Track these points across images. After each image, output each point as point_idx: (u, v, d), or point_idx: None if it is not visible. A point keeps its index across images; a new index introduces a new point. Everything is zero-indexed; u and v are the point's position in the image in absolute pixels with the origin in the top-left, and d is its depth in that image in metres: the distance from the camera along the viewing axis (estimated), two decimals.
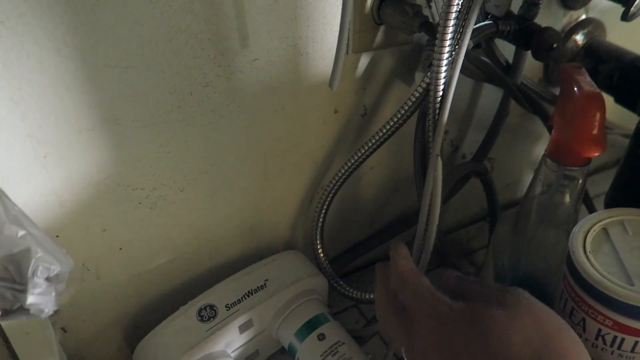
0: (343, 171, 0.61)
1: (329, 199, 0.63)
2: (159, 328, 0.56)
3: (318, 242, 0.65)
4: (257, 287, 0.59)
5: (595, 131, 0.48)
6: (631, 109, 0.65)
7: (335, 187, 0.62)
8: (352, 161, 0.60)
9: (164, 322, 0.56)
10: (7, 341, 0.45)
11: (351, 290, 0.66)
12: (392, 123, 0.56)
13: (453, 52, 0.48)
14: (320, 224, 0.64)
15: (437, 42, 0.46)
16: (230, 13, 0.49)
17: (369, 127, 0.67)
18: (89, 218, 0.52)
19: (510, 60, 0.67)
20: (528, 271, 0.58)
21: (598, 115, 0.48)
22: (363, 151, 0.59)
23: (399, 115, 0.55)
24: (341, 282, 0.67)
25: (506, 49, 0.66)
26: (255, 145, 0.59)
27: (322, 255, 0.65)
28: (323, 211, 0.63)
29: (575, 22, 0.73)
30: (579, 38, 0.73)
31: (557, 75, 0.77)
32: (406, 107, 0.55)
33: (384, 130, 0.57)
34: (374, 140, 0.58)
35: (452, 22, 0.45)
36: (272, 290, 0.59)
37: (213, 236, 0.63)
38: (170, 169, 0.54)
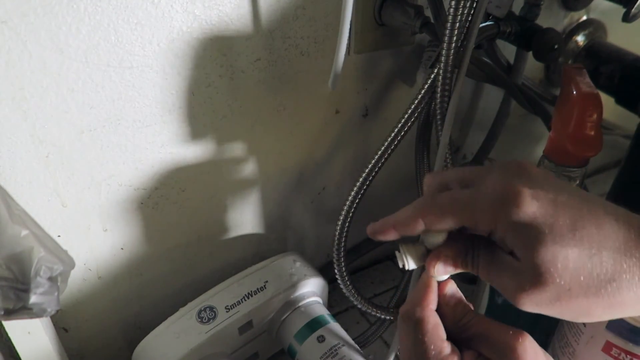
0: (353, 194, 0.58)
1: (346, 225, 0.59)
2: (159, 329, 0.56)
3: (345, 274, 0.61)
4: (257, 289, 0.59)
5: (591, 132, 0.48)
6: (632, 110, 0.65)
7: (355, 204, 0.58)
8: (365, 172, 0.56)
9: (163, 323, 0.56)
10: (9, 340, 0.45)
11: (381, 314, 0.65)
12: (396, 130, 0.55)
13: (458, 54, 0.48)
14: (342, 258, 0.60)
15: (445, 45, 0.46)
16: (232, 14, 0.49)
17: (371, 128, 0.67)
18: (91, 218, 0.52)
19: (511, 61, 0.68)
20: None
21: (594, 116, 0.48)
22: (370, 165, 0.56)
23: (405, 117, 0.55)
24: (373, 308, 0.64)
25: (507, 50, 0.67)
26: (257, 146, 0.59)
27: (350, 285, 0.61)
28: (342, 243, 0.59)
29: (576, 23, 0.73)
30: (580, 39, 0.73)
31: (557, 76, 0.77)
32: (409, 112, 0.55)
33: (392, 135, 0.56)
34: (383, 147, 0.55)
35: (457, 25, 0.45)
36: (272, 292, 0.59)
37: (214, 236, 0.63)
38: (171, 169, 0.54)
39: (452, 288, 0.35)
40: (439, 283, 0.35)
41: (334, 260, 0.60)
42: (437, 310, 0.35)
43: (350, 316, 0.74)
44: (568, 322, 0.47)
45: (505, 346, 0.32)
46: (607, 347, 0.43)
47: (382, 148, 0.55)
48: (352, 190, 0.57)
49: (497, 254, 0.31)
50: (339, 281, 0.61)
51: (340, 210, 0.58)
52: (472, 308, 0.35)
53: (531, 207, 0.29)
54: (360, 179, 0.56)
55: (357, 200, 0.58)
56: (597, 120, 0.48)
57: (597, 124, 0.48)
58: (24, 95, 0.42)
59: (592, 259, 0.28)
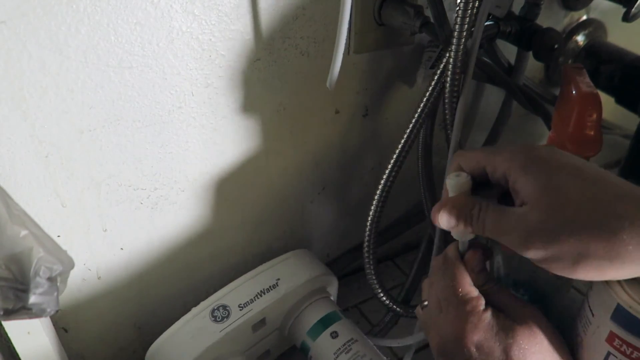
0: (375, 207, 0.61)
1: (373, 233, 0.61)
2: (172, 329, 0.56)
3: (372, 263, 0.63)
4: (270, 287, 0.59)
5: (591, 132, 0.48)
6: (632, 110, 0.65)
7: (379, 210, 0.61)
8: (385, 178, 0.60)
9: (176, 323, 0.56)
10: (8, 341, 0.45)
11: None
12: (406, 134, 0.56)
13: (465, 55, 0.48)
14: (372, 250, 0.62)
15: (453, 47, 0.47)
16: (232, 14, 0.49)
17: (371, 128, 0.67)
18: (90, 218, 0.52)
19: (511, 61, 0.68)
20: (520, 271, 0.58)
21: (594, 116, 0.48)
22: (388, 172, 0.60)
23: (414, 119, 0.55)
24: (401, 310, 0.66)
25: (507, 50, 0.67)
26: (257, 146, 0.59)
27: (380, 292, 0.64)
28: (374, 230, 0.61)
29: (576, 23, 0.73)
30: (580, 39, 0.73)
31: (557, 76, 0.77)
32: (416, 115, 0.55)
33: (405, 138, 0.57)
34: (399, 147, 0.57)
35: (465, 27, 0.45)
36: (284, 289, 0.59)
37: (214, 237, 0.63)
38: (171, 169, 0.54)
39: (478, 258, 0.39)
40: (468, 254, 0.39)
41: (364, 251, 0.62)
42: None
43: (350, 316, 0.74)
44: (580, 313, 0.48)
45: (519, 312, 0.36)
46: (611, 338, 0.43)
47: (397, 151, 0.57)
48: (375, 192, 0.61)
49: (506, 208, 0.34)
50: (367, 269, 0.63)
51: (370, 206, 0.61)
52: (494, 279, 0.39)
53: (542, 151, 0.34)
54: (383, 179, 0.60)
55: (383, 196, 0.61)
56: (597, 120, 0.48)
57: (597, 124, 0.48)
58: (23, 95, 0.42)
59: (596, 196, 0.31)
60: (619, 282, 0.42)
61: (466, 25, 0.45)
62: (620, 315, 0.41)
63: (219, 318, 0.56)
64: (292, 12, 0.52)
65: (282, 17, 0.52)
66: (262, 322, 0.58)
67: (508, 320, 0.36)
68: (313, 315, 0.60)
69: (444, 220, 0.37)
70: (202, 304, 0.57)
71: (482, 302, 0.37)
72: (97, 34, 0.43)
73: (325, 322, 0.59)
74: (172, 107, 0.50)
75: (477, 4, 0.45)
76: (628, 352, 0.42)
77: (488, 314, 0.36)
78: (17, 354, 0.46)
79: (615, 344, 0.43)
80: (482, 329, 0.35)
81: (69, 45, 0.42)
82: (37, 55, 0.41)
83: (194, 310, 0.57)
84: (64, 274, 0.38)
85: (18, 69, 0.41)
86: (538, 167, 0.33)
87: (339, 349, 0.57)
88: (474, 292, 0.37)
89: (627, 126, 0.73)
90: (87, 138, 0.47)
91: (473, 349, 0.35)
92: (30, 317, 0.37)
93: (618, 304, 0.41)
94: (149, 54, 0.46)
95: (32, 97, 0.43)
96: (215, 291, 0.59)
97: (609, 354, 0.44)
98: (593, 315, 0.45)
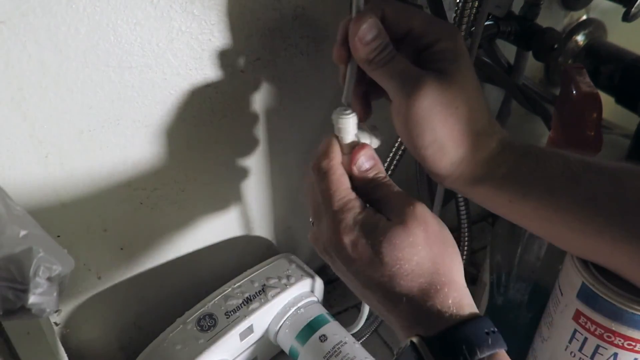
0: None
1: None
2: (159, 340, 0.55)
3: None
4: (256, 293, 0.59)
5: (591, 132, 0.48)
6: (632, 110, 0.65)
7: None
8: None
9: (163, 334, 0.56)
10: (8, 341, 0.45)
11: None
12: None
13: None
14: None
15: None
16: (233, 13, 0.49)
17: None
18: (90, 218, 0.52)
19: (511, 61, 0.68)
20: (521, 271, 0.59)
21: (594, 116, 0.48)
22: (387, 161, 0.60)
23: None
24: None
25: (507, 50, 0.66)
26: (257, 145, 0.59)
27: None
28: None
29: (576, 23, 0.73)
30: (580, 39, 0.73)
31: (557, 76, 0.77)
32: None
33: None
34: (396, 145, 0.58)
35: (464, 27, 0.45)
36: (271, 295, 0.59)
37: (214, 237, 0.63)
38: (171, 169, 0.54)
39: (367, 153, 0.40)
40: (356, 147, 0.39)
41: None
42: (349, 173, 0.39)
43: (350, 316, 0.74)
44: (552, 294, 0.49)
45: (398, 208, 0.37)
46: (577, 316, 0.45)
47: (393, 150, 0.57)
48: None
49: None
50: None
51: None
52: (386, 175, 0.40)
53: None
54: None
55: None
56: (597, 120, 0.48)
57: (597, 124, 0.48)
58: (23, 95, 0.42)
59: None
60: (585, 261, 0.43)
61: (465, 25, 0.45)
62: (585, 293, 0.43)
63: (205, 327, 0.55)
64: (291, 11, 0.52)
65: (282, 17, 0.52)
66: (250, 329, 0.58)
67: (383, 220, 0.37)
68: (301, 320, 0.60)
69: (365, 27, 0.37)
70: (188, 313, 0.57)
71: (358, 204, 0.38)
72: (96, 34, 0.43)
73: (313, 326, 0.59)
74: (172, 107, 0.50)
75: (476, 3, 0.45)
76: (592, 329, 0.43)
77: (362, 215, 0.37)
78: (17, 354, 0.46)
79: (580, 321, 0.44)
80: (356, 229, 0.36)
81: (69, 46, 0.42)
82: (36, 55, 0.41)
83: (179, 320, 0.57)
84: (64, 274, 0.38)
85: (18, 69, 0.41)
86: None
87: (329, 352, 0.56)
88: (351, 194, 0.38)
89: (627, 126, 0.73)
90: (87, 138, 0.47)
91: (349, 249, 0.37)
92: (30, 318, 0.37)
93: (583, 283, 0.42)
94: (148, 54, 0.46)
95: (32, 97, 0.43)
96: (215, 290, 0.59)
97: (575, 331, 0.45)
98: (562, 294, 0.46)
